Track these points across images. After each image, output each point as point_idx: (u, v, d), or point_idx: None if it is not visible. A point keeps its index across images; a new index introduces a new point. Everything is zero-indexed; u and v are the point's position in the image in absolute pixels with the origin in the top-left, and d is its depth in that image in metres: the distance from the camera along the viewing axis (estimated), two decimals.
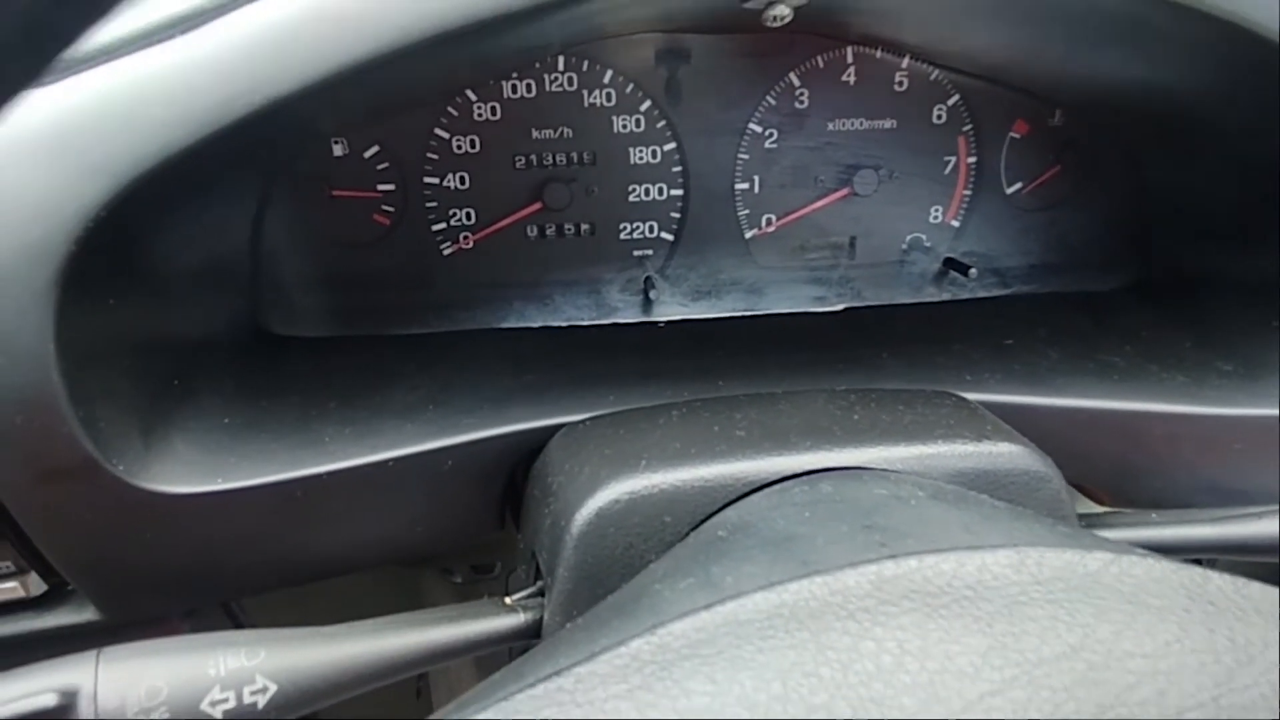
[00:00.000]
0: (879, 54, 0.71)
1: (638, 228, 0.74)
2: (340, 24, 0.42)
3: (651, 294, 0.73)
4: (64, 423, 0.43)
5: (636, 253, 0.74)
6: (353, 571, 0.61)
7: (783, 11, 0.51)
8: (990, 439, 0.46)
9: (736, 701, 0.23)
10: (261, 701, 0.35)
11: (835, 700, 0.22)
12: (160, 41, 0.42)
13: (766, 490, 0.41)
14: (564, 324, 0.73)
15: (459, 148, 0.70)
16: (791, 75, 0.71)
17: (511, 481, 0.57)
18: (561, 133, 0.70)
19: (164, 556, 0.51)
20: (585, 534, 0.41)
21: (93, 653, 0.34)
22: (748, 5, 0.51)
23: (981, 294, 0.77)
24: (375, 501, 0.54)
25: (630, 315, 0.74)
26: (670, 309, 0.75)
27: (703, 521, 0.40)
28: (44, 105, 0.41)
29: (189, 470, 0.49)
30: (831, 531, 0.33)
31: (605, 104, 0.70)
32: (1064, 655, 0.24)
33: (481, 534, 0.60)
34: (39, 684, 0.32)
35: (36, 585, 0.52)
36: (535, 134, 0.70)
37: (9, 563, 0.50)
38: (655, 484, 0.41)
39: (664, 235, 0.74)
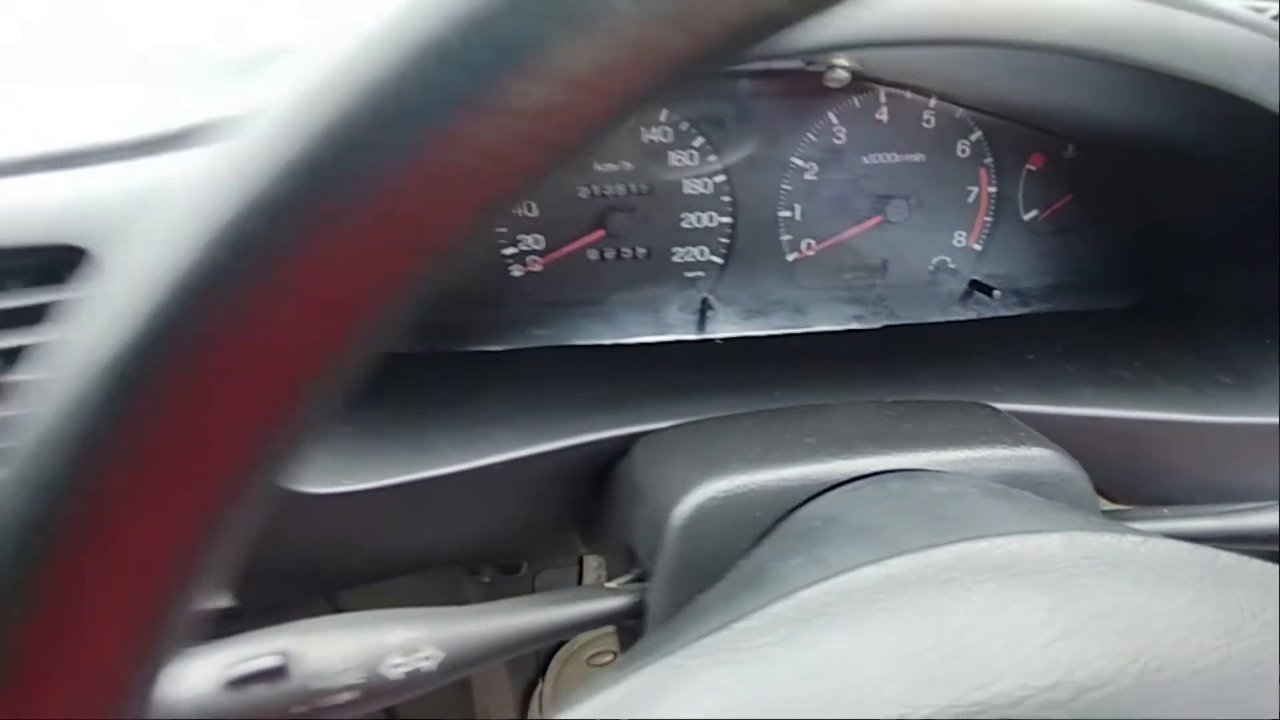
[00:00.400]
0: (909, 95, 0.78)
1: (690, 252, 0.81)
2: None
3: (709, 314, 0.80)
4: None
5: (688, 274, 0.81)
6: (444, 565, 0.68)
7: (842, 75, 0.58)
8: (1025, 444, 0.53)
9: (865, 646, 0.30)
10: (430, 666, 0.42)
11: (939, 643, 0.30)
12: None
13: (841, 488, 0.48)
14: (630, 341, 0.80)
15: None
16: (830, 114, 0.78)
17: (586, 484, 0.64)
18: (622, 166, 0.77)
19: (297, 550, 0.58)
20: (687, 527, 0.48)
21: (293, 624, 0.41)
22: (810, 68, 0.59)
23: (1004, 312, 0.85)
24: (476, 502, 0.61)
25: (688, 332, 0.81)
26: (725, 327, 0.82)
27: (787, 515, 0.48)
28: None
29: (325, 473, 0.56)
30: (909, 521, 0.40)
31: (662, 140, 0.77)
32: (1109, 613, 0.31)
33: (558, 532, 0.67)
34: (264, 648, 0.39)
35: None
36: (598, 167, 0.77)
37: None
38: (745, 484, 0.48)
39: (714, 258, 0.81)
